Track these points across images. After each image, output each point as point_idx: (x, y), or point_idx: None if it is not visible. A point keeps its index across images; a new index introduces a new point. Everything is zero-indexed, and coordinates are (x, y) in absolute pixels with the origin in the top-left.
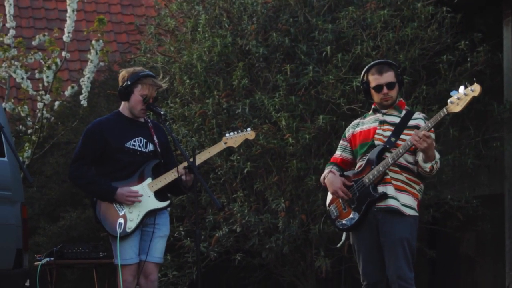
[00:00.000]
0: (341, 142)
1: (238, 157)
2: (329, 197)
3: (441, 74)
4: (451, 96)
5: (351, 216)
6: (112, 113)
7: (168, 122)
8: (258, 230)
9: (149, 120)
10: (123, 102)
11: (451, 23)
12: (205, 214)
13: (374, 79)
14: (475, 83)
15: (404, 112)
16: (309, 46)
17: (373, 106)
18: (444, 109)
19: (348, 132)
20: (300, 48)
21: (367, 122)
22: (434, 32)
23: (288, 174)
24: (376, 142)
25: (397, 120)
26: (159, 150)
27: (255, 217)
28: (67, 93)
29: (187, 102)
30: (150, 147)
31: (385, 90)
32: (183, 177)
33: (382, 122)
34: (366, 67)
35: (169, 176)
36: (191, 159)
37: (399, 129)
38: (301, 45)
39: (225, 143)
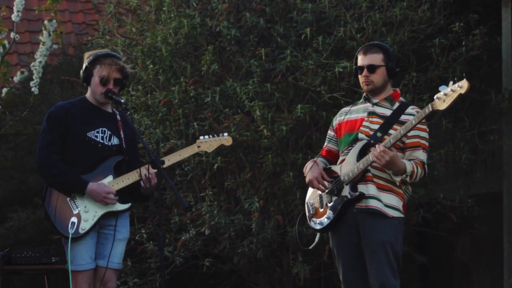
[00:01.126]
0: (328, 131)
1: None
2: (309, 192)
3: (433, 60)
4: (439, 91)
5: (326, 215)
6: (77, 98)
7: (129, 112)
8: (229, 232)
9: (117, 112)
10: (88, 88)
11: (444, 2)
12: (170, 215)
13: (359, 60)
14: (464, 79)
15: (397, 104)
16: (286, 28)
17: (364, 94)
18: (429, 105)
19: (336, 121)
20: (276, 30)
21: (356, 111)
22: (425, 12)
23: (263, 170)
24: (360, 136)
25: (387, 112)
26: (124, 146)
27: (225, 218)
28: (16, 79)
29: (150, 90)
30: (115, 141)
31: (365, 72)
32: (142, 183)
33: (371, 113)
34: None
35: (133, 176)
36: (156, 154)
37: (387, 123)
38: (277, 26)
39: (198, 146)
